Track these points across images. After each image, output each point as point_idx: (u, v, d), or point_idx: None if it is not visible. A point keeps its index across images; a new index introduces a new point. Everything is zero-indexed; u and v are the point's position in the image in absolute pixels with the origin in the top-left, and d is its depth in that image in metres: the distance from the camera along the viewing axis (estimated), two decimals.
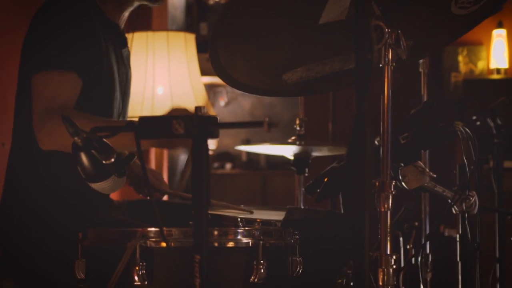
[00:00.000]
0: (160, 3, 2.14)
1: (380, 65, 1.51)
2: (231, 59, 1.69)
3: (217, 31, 1.65)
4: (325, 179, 1.94)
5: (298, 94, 2.45)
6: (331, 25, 1.63)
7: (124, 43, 2.19)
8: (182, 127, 1.26)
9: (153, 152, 3.86)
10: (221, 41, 1.66)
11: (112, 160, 1.53)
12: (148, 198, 2.29)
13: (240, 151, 6.89)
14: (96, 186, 1.58)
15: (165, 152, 3.97)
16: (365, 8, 1.02)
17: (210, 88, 7.03)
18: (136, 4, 2.15)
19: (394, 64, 1.53)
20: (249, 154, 6.98)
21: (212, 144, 6.79)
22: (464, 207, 1.95)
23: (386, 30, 1.50)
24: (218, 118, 1.32)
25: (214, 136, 1.27)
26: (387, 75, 1.51)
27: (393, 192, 1.52)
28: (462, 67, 4.79)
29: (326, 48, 1.69)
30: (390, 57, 1.51)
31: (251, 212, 1.99)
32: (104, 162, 1.53)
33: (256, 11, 1.66)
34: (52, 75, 1.93)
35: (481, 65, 4.80)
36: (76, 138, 1.51)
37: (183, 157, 6.05)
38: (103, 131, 1.44)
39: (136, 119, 1.35)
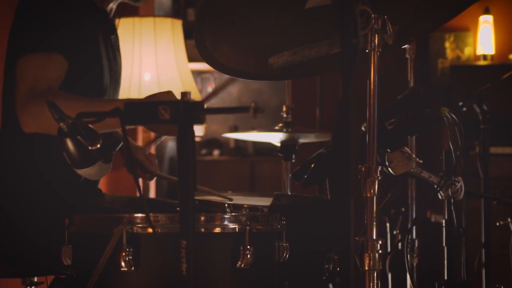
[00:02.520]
0: (142, 2, 2.13)
1: (366, 51, 1.51)
2: (217, 44, 1.69)
3: (203, 16, 1.64)
4: (312, 165, 1.94)
5: (284, 78, 2.44)
6: (317, 10, 1.63)
7: (112, 30, 2.18)
8: (168, 112, 1.25)
9: (140, 137, 3.85)
10: (206, 25, 1.65)
11: (98, 146, 1.52)
12: (136, 176, 2.27)
13: (228, 138, 6.88)
14: (82, 172, 1.58)
15: (153, 138, 3.95)
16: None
17: (197, 74, 7.01)
18: None
19: (380, 49, 1.52)
20: (237, 140, 6.97)
21: (199, 130, 6.79)
22: (450, 193, 1.96)
23: (372, 15, 1.50)
24: (205, 104, 1.32)
25: (200, 121, 1.27)
26: (373, 61, 1.51)
27: (379, 178, 1.53)
28: (449, 53, 4.80)
29: (312, 32, 1.69)
30: (376, 42, 1.51)
31: (230, 200, 1.98)
32: (90, 148, 1.52)
33: None
34: (36, 57, 1.92)
35: (468, 51, 4.81)
36: (61, 124, 1.51)
37: (171, 143, 6.04)
38: (89, 117, 1.43)
39: None
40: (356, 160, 1.02)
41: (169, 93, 1.85)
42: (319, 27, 1.68)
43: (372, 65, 1.51)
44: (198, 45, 1.66)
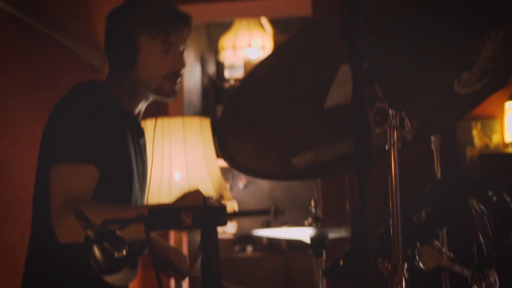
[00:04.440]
0: (172, 99, 2.19)
1: (386, 147, 1.51)
2: (239, 145, 1.71)
3: (225, 118, 1.68)
4: (341, 263, 1.92)
5: (309, 177, 2.45)
6: (337, 109, 1.65)
7: (141, 133, 2.23)
8: (190, 218, 1.27)
9: (171, 236, 3.85)
10: (228, 128, 1.68)
11: (124, 252, 1.53)
12: (168, 276, 2.26)
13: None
14: (109, 278, 1.58)
15: (184, 235, 3.95)
16: (363, 92, 1.04)
17: (228, 170, 7.06)
18: (151, 98, 2.21)
19: (400, 144, 1.52)
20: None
21: (231, 227, 6.75)
22: (484, 286, 1.90)
23: (390, 111, 1.51)
24: (236, 201, 1.33)
25: (222, 224, 1.28)
26: (393, 157, 1.50)
27: (406, 276, 1.49)
28: (477, 141, 4.77)
29: (333, 131, 1.71)
30: (395, 138, 1.51)
31: None
32: (116, 254, 1.53)
33: (262, 98, 1.69)
34: (69, 167, 1.95)
35: (496, 138, 4.78)
36: (88, 231, 1.53)
37: None
38: (114, 223, 1.45)
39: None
40: (375, 258, 1.01)
41: (197, 192, 1.87)
42: (340, 125, 1.69)
43: (392, 161, 1.50)
44: (220, 148, 1.69)
